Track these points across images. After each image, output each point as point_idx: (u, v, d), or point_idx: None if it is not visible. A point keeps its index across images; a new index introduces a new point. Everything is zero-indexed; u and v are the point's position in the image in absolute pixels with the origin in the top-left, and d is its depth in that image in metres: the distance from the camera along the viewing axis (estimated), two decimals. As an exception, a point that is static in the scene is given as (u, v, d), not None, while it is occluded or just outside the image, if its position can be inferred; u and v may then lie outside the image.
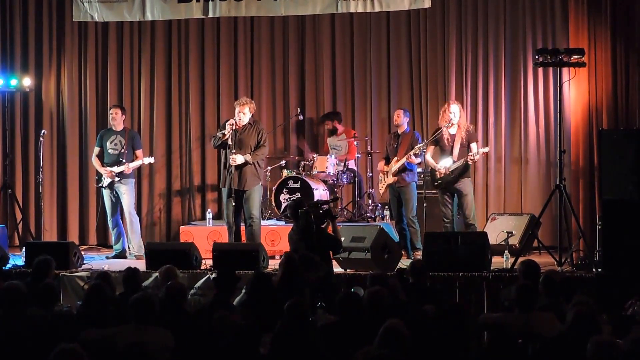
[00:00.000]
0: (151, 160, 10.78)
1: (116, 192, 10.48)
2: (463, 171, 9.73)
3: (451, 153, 9.77)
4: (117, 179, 10.39)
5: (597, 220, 9.24)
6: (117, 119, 10.53)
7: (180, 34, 12.17)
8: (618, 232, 8.42)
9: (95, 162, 10.61)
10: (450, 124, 9.76)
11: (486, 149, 10.04)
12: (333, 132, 11.67)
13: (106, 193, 10.55)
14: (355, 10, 11.34)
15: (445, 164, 9.74)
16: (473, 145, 9.79)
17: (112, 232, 10.70)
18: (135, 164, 10.49)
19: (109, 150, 10.50)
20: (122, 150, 10.44)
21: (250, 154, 9.53)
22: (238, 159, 9.45)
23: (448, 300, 6.71)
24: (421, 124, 11.61)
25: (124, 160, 10.39)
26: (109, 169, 10.39)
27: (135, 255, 10.34)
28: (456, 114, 9.77)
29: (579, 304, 5.43)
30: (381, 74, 11.80)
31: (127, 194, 10.45)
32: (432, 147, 9.99)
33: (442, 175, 9.76)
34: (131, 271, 7.04)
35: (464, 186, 9.74)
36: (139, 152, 10.60)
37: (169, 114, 12.22)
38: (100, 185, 10.58)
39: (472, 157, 9.66)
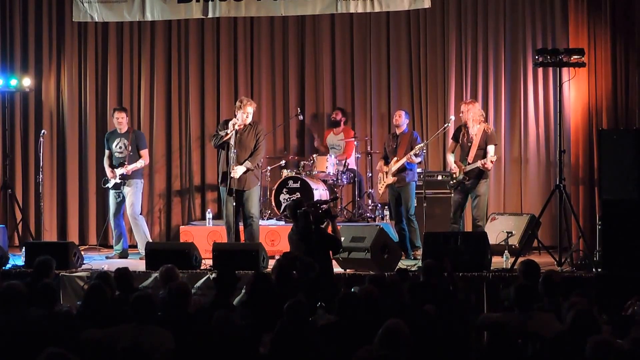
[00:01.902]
0: (144, 163, 10.62)
1: (121, 194, 10.49)
2: (480, 174, 9.65)
3: (467, 154, 9.74)
4: (119, 180, 10.40)
5: (597, 220, 9.23)
6: (123, 123, 10.53)
7: (180, 34, 12.17)
8: (618, 232, 8.41)
9: (106, 164, 10.64)
10: (462, 125, 9.75)
11: (494, 157, 9.69)
12: (335, 124, 11.63)
13: (112, 193, 10.58)
14: (355, 11, 11.34)
15: (463, 165, 9.71)
16: (490, 148, 9.68)
17: (114, 233, 10.70)
18: (134, 165, 10.47)
19: (115, 154, 10.53)
20: (127, 153, 10.44)
21: (248, 159, 9.53)
22: (239, 170, 9.46)
23: (456, 301, 6.69)
24: (421, 124, 11.62)
25: (126, 163, 10.40)
26: (113, 171, 10.42)
27: (140, 257, 10.30)
28: (464, 114, 9.73)
29: (577, 304, 5.43)
30: (381, 74, 11.80)
31: (130, 195, 10.44)
32: (454, 145, 9.94)
33: (457, 175, 9.72)
34: (122, 271, 7.05)
35: (480, 188, 9.67)
36: (143, 152, 10.59)
37: (169, 114, 12.23)
38: (107, 186, 10.59)
39: (483, 162, 9.58)
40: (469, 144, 9.72)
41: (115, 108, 11.00)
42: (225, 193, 9.61)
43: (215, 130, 9.95)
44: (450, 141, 10.06)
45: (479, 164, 9.55)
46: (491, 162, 9.63)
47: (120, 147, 10.51)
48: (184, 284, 6.35)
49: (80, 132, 12.28)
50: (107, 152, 10.66)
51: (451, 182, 9.84)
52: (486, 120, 10.21)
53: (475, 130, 9.72)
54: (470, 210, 9.83)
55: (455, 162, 9.77)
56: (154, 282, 8.37)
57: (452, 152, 9.92)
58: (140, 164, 10.54)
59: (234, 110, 9.76)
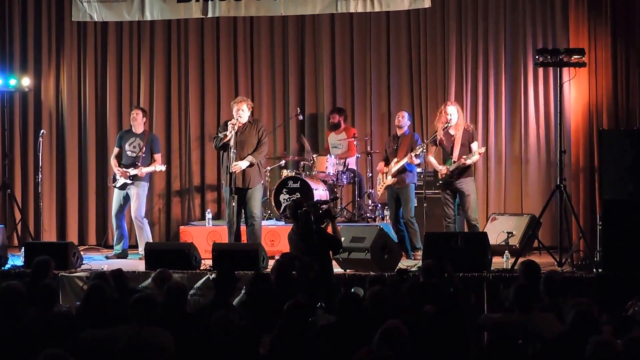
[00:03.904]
0: (162, 168, 10.69)
1: (127, 194, 10.46)
2: (463, 170, 9.71)
3: (451, 154, 9.77)
4: (129, 181, 10.37)
5: (597, 220, 9.22)
6: (137, 120, 10.49)
7: (180, 34, 12.16)
8: (618, 232, 8.40)
9: (113, 162, 10.61)
10: (447, 126, 9.76)
11: (482, 149, 9.95)
12: (335, 127, 11.62)
13: (117, 192, 10.55)
14: (355, 10, 11.33)
15: (447, 165, 9.75)
16: (473, 145, 9.79)
17: (115, 232, 10.66)
18: (150, 168, 10.43)
19: (127, 152, 10.48)
20: (140, 154, 10.41)
21: (251, 154, 9.53)
22: (241, 164, 9.45)
23: (456, 301, 6.68)
24: (421, 124, 11.60)
25: (139, 164, 10.36)
26: (124, 170, 10.38)
27: (140, 257, 10.26)
28: (454, 115, 9.77)
29: (579, 305, 5.43)
30: (381, 74, 11.78)
31: (135, 197, 10.39)
32: (434, 147, 9.99)
33: (443, 176, 9.76)
34: (115, 273, 7.03)
35: (465, 186, 9.72)
36: (157, 156, 10.55)
37: (169, 114, 12.21)
38: (114, 184, 10.57)
39: (465, 159, 9.62)
40: (452, 145, 9.77)
41: (135, 106, 11.11)
42: (227, 193, 9.59)
43: (216, 132, 9.94)
44: (431, 146, 10.04)
45: (463, 160, 9.59)
46: (479, 154, 9.74)
47: (135, 147, 10.47)
48: (181, 284, 6.34)
49: (80, 132, 12.26)
50: (116, 149, 10.62)
51: (437, 183, 9.89)
52: (470, 120, 10.35)
53: (456, 129, 9.76)
54: (460, 210, 9.85)
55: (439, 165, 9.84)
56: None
57: (434, 156, 9.99)
58: (157, 168, 10.49)
59: (233, 110, 9.75)
